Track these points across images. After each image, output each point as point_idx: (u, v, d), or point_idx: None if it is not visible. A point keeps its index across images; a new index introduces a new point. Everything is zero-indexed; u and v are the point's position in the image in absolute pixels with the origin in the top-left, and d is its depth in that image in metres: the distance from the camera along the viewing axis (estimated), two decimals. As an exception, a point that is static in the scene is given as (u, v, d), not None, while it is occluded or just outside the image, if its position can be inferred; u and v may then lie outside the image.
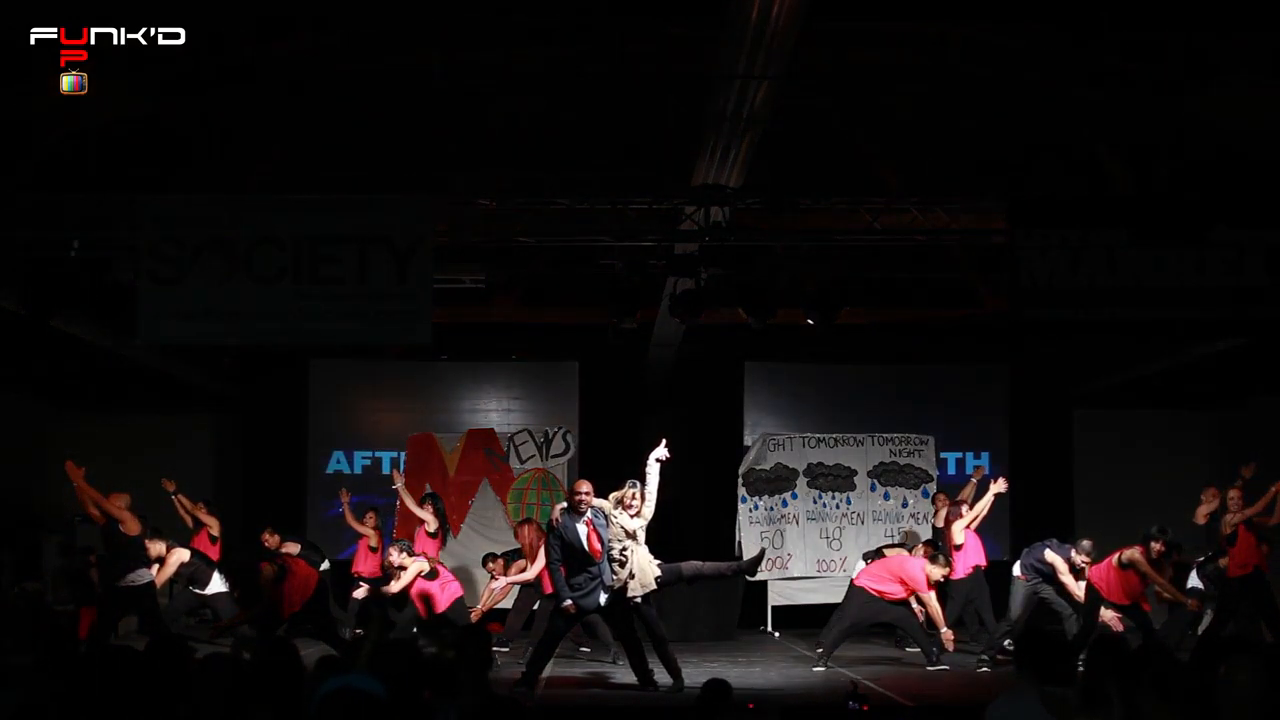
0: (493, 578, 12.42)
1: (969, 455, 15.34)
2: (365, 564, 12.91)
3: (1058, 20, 9.12)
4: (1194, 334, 12.19)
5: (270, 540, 12.27)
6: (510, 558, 12.52)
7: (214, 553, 12.30)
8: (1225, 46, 9.27)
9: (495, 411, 15.37)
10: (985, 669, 11.02)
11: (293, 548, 12.16)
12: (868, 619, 11.46)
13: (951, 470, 14.99)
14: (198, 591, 11.86)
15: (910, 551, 12.39)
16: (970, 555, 11.93)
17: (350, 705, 3.55)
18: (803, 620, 13.95)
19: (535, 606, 12.15)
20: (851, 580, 11.77)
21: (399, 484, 12.71)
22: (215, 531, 12.31)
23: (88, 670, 4.75)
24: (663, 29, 9.34)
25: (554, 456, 14.12)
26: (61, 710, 4.43)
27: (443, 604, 11.40)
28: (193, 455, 15.45)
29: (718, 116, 8.84)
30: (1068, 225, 9.82)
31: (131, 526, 10.83)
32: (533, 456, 14.09)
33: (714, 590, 13.33)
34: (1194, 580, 11.73)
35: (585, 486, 9.74)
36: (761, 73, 8.13)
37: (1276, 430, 13.99)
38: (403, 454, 14.29)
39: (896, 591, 11.26)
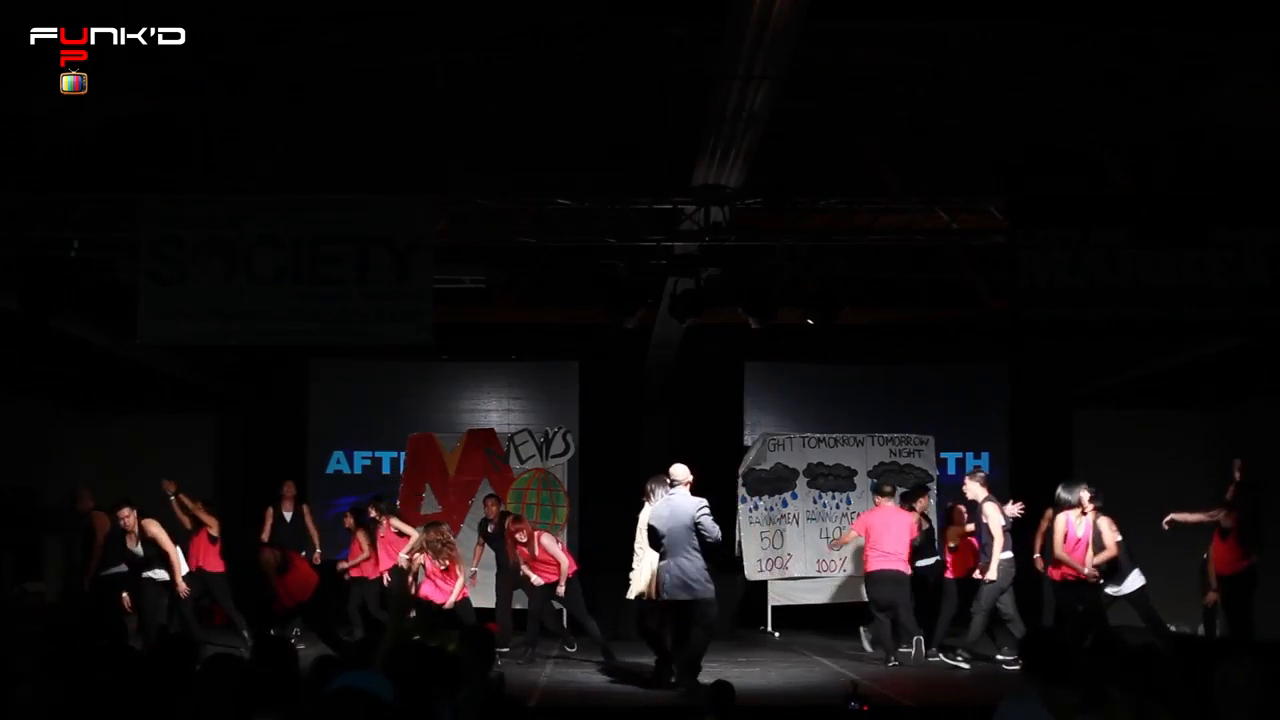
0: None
1: (969, 455, 15.35)
2: (358, 566, 12.89)
3: (1057, 20, 9.12)
4: (1194, 334, 12.18)
5: (288, 489, 12.87)
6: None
7: (214, 552, 12.32)
8: (1225, 46, 9.26)
9: (495, 411, 15.39)
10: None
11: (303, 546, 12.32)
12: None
13: (951, 470, 14.99)
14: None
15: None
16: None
17: (353, 705, 3.55)
18: (803, 620, 13.96)
19: (538, 606, 12.18)
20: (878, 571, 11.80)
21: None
22: (214, 531, 12.34)
23: (89, 670, 4.76)
24: (663, 29, 9.33)
25: (554, 456, 14.11)
26: (66, 709, 4.44)
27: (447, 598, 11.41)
28: (193, 455, 15.43)
29: (718, 116, 8.83)
30: (1068, 225, 9.81)
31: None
32: (533, 456, 14.09)
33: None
34: None
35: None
36: (761, 73, 8.13)
37: (1276, 430, 13.99)
38: (403, 454, 14.29)
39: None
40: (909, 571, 11.89)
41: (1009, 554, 11.36)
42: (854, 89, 10.39)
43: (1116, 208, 10.07)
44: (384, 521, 12.45)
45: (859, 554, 13.39)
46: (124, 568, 11.52)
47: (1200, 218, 9.85)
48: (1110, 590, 11.01)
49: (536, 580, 11.97)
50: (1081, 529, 10.87)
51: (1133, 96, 10.14)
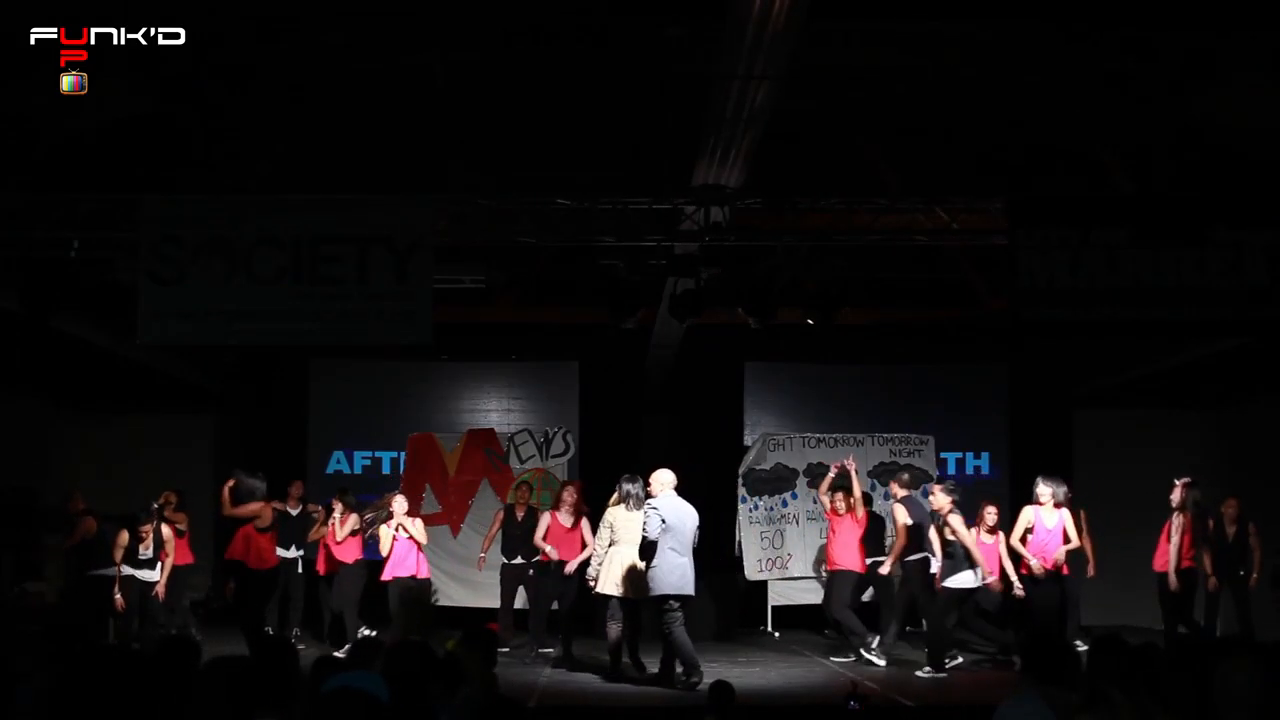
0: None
1: (969, 455, 15.35)
2: (324, 563, 12.89)
3: (1057, 20, 9.11)
4: (1194, 334, 12.19)
5: (294, 489, 12.86)
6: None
7: (180, 546, 12.19)
8: (1225, 46, 9.26)
9: (495, 411, 15.38)
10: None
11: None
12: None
13: (951, 470, 14.99)
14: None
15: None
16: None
17: (350, 705, 3.56)
18: (803, 620, 13.95)
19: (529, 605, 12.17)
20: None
21: None
22: (182, 526, 12.24)
23: (89, 670, 4.75)
24: (662, 29, 9.33)
25: (554, 456, 14.11)
26: (66, 709, 4.43)
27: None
28: (193, 455, 15.42)
29: (718, 116, 8.83)
30: (1068, 225, 9.81)
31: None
32: (533, 456, 14.08)
33: (714, 590, 13.35)
34: None
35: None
36: (761, 73, 8.13)
37: (1277, 430, 13.99)
38: (403, 454, 14.29)
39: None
40: None
41: (919, 556, 11.24)
42: (854, 89, 10.38)
43: (1116, 208, 10.07)
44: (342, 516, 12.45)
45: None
46: (112, 571, 11.53)
47: (1200, 218, 9.85)
48: (948, 583, 10.99)
49: (552, 552, 11.88)
50: (1052, 522, 10.90)
51: (1133, 96, 10.14)
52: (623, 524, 10.31)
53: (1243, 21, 8.81)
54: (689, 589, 9.91)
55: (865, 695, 8.35)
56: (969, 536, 10.81)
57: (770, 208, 10.48)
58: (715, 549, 13.77)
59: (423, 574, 11.72)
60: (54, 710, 4.38)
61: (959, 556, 10.84)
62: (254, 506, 11.46)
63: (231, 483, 12.41)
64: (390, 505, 11.71)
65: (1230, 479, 12.01)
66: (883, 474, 14.05)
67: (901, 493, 11.51)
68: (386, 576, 11.53)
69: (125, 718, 4.24)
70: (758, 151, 9.46)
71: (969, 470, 15.16)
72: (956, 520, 10.86)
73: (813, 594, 13.98)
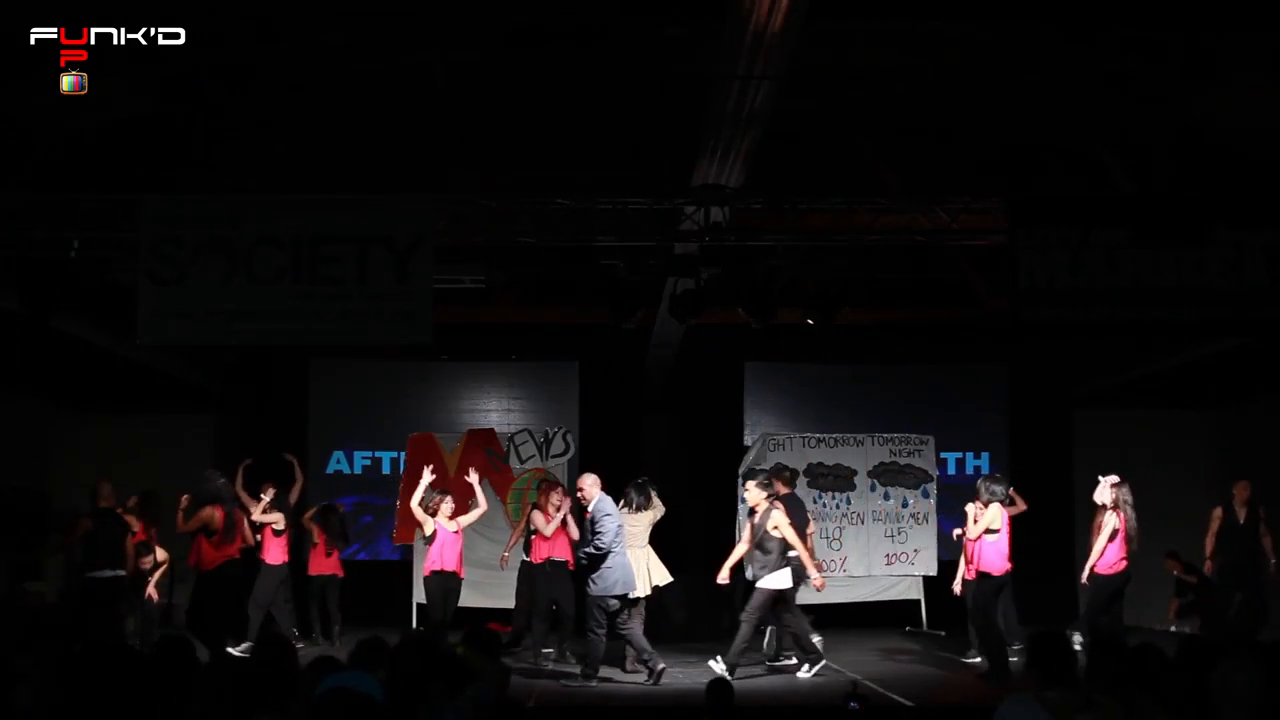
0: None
1: (969, 455, 15.35)
2: (318, 565, 12.84)
3: (1057, 20, 9.11)
4: (1194, 334, 12.19)
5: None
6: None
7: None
8: (1225, 46, 9.26)
9: (495, 411, 15.39)
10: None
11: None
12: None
13: (951, 470, 15.01)
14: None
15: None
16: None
17: (347, 705, 3.56)
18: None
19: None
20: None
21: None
22: (135, 528, 12.14)
23: (89, 670, 4.76)
24: (662, 29, 9.33)
25: (554, 456, 14.11)
26: (66, 709, 4.44)
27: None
28: (193, 455, 15.39)
29: (718, 116, 8.84)
30: (1068, 225, 9.82)
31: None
32: (533, 456, 14.08)
33: (714, 590, 13.32)
34: None
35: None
36: (761, 73, 8.13)
37: (1276, 430, 13.99)
38: (403, 454, 14.29)
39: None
40: None
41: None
42: (854, 89, 10.38)
43: (1116, 208, 10.08)
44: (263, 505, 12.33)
45: (863, 555, 13.36)
46: (121, 572, 11.43)
47: (1200, 218, 9.86)
48: (759, 581, 10.89)
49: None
50: (982, 523, 10.79)
51: (1133, 96, 10.14)
52: (625, 528, 10.40)
53: (1243, 21, 8.81)
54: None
55: (865, 695, 8.36)
56: (791, 533, 10.71)
57: (770, 208, 10.48)
58: (715, 549, 13.78)
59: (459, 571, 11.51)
60: (54, 710, 4.38)
61: (775, 554, 10.69)
62: (204, 514, 11.12)
63: (185, 501, 11.46)
64: (439, 505, 11.61)
65: (1230, 479, 11.98)
66: (883, 474, 14.07)
67: (783, 490, 11.35)
68: (427, 570, 11.47)
69: (125, 718, 4.24)
70: (758, 151, 9.46)
71: (969, 470, 15.16)
72: (779, 516, 10.73)
73: (812, 594, 13.95)
